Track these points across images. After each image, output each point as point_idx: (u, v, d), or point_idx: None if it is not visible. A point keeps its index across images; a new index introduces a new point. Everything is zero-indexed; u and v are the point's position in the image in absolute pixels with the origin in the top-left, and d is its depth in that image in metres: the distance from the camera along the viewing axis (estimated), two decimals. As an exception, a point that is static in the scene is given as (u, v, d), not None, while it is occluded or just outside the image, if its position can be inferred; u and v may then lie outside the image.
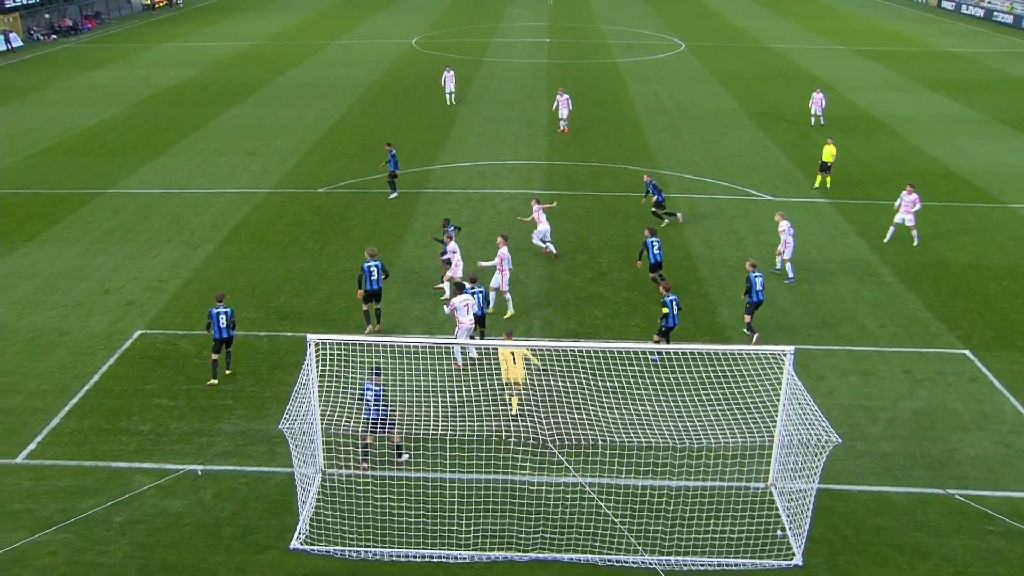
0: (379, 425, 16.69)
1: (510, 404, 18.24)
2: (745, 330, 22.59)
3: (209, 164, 38.17)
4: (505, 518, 15.72)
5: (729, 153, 39.83)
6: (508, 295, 23.71)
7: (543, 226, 27.86)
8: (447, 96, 48.84)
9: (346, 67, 59.28)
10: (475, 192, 34.18)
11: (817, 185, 34.87)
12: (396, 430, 17.31)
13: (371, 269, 22.38)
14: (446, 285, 24.36)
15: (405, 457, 17.33)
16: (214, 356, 20.40)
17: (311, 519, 15.68)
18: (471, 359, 20.42)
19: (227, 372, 20.85)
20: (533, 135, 42.47)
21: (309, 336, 16.10)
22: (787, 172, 37.07)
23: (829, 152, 34.38)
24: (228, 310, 20.47)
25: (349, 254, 28.03)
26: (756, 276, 22.41)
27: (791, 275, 26.20)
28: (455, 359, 20.40)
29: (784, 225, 26.16)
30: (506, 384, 18.46)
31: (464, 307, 20.77)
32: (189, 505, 16.33)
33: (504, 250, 23.65)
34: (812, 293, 25.58)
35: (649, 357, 20.30)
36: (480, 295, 21.39)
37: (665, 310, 21.18)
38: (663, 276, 21.73)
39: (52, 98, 50.95)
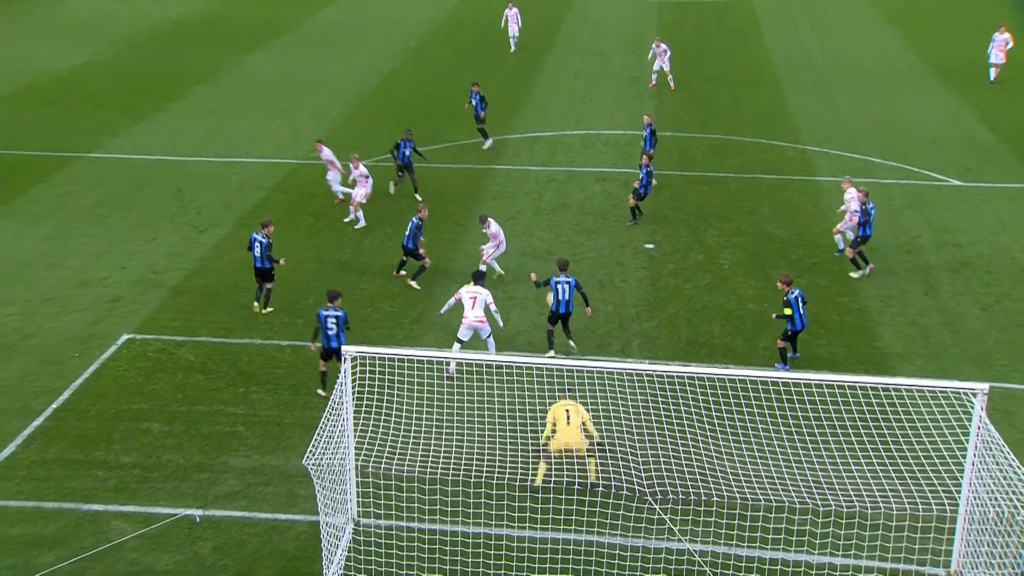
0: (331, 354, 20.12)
1: (534, 475, 17.92)
2: (853, 273, 26.21)
3: (222, 125, 39.15)
4: (588, 593, 15.76)
5: (903, 123, 39.12)
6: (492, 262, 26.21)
7: (362, 189, 29.58)
8: (510, 41, 49.26)
9: (402, 5, 60.15)
10: (560, 170, 34.28)
11: None
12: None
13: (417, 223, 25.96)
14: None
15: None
16: (267, 286, 24.50)
17: (338, 582, 15.94)
18: (450, 374, 20.92)
19: (265, 311, 24.42)
20: (636, 97, 42.47)
21: (345, 348, 16.37)
22: (986, 148, 36.22)
23: None
24: (266, 240, 24.14)
25: (398, 244, 28.38)
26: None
27: (841, 246, 27.51)
28: (446, 367, 21.14)
29: (851, 194, 27.05)
30: (545, 447, 18.03)
31: (470, 300, 21.61)
32: (182, 561, 16.64)
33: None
34: (1017, 313, 24.93)
35: (776, 365, 21.19)
36: (568, 285, 22.13)
37: (788, 311, 21.61)
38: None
39: (15, 31, 52.71)
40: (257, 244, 24.16)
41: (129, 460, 19.22)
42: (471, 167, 34.52)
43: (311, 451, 15.31)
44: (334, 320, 20.64)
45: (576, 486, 17.59)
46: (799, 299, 21.76)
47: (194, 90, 43.41)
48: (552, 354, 22.37)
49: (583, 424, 17.92)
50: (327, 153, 30.81)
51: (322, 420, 15.99)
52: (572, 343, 22.74)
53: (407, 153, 31.24)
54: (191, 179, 33.40)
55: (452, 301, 21.96)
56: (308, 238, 28.89)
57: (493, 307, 21.79)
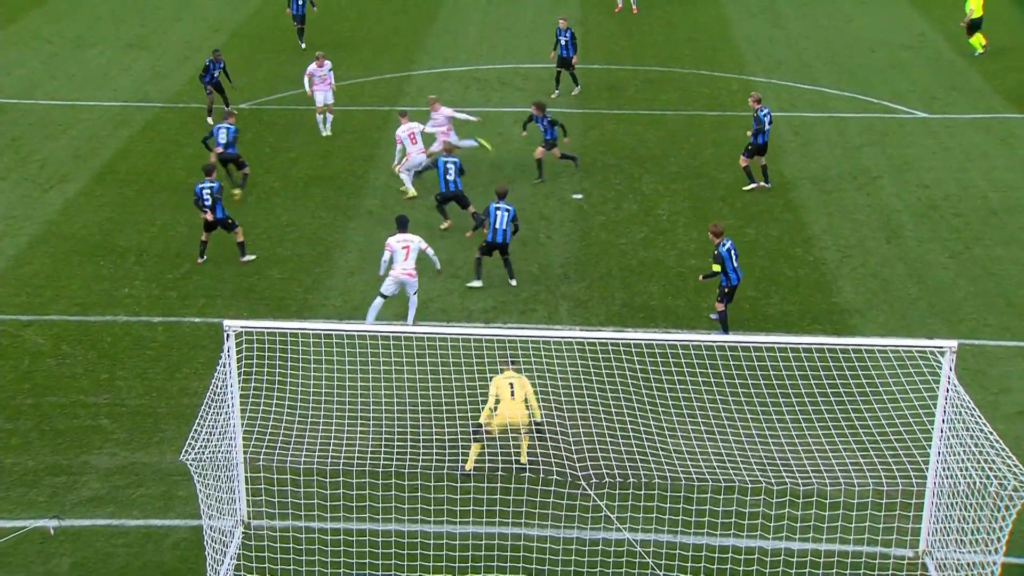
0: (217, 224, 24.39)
1: (468, 458, 18.22)
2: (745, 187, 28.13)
3: (67, 60, 38.37)
4: (516, 593, 16.00)
5: (861, 47, 39.89)
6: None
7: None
8: None
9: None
10: (473, 110, 34.24)
11: (979, 51, 35.55)
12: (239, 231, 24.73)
13: None
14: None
15: (248, 258, 24.78)
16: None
17: (227, 594, 16.01)
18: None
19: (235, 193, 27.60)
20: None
21: (227, 323, 16.28)
22: (955, 73, 37.04)
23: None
24: (232, 127, 28.04)
25: (286, 201, 28.28)
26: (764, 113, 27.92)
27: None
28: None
29: (439, 113, 28.80)
30: (480, 426, 18.16)
31: (403, 250, 22.14)
32: (34, 582, 16.46)
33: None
34: (988, 260, 25.71)
35: (711, 315, 22.62)
36: (507, 213, 23.79)
37: (717, 267, 21.95)
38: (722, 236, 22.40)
39: None
40: (223, 131, 27.90)
41: (-36, 464, 18.82)
42: (370, 109, 34.42)
43: (190, 444, 15.23)
44: (209, 191, 24.37)
45: (499, 473, 17.77)
46: (732, 252, 22.01)
47: (27, 16, 42.46)
48: (479, 284, 24.05)
49: (526, 399, 18.09)
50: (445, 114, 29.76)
51: (202, 408, 15.93)
52: (512, 281, 24.06)
53: (215, 75, 32.52)
54: (28, 126, 32.75)
55: (386, 256, 22.09)
56: (177, 197, 28.42)
57: (430, 251, 22.56)
